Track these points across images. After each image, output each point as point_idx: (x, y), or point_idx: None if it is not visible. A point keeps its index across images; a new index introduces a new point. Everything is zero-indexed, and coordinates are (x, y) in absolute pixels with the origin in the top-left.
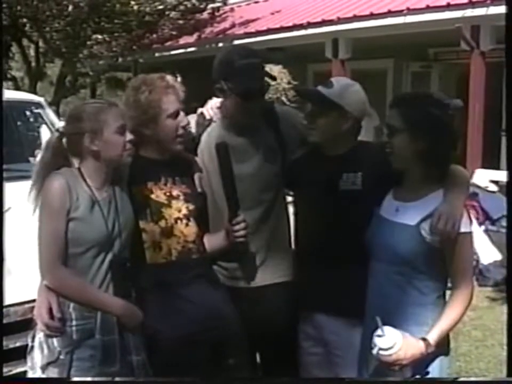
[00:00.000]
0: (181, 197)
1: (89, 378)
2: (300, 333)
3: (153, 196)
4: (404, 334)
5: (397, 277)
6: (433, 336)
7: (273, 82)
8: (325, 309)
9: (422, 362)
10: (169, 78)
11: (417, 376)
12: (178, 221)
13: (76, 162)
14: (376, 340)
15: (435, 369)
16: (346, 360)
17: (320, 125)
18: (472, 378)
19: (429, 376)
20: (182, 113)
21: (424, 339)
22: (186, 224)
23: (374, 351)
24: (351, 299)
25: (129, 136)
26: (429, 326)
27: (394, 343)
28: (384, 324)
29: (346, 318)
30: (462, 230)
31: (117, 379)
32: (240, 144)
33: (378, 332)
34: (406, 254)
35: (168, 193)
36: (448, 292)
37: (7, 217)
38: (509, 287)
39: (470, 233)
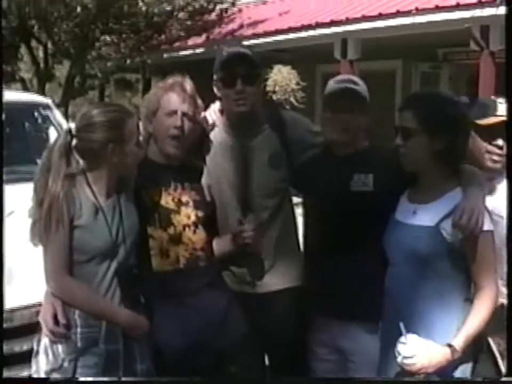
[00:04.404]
0: (190, 204)
1: (90, 379)
2: (313, 339)
3: (162, 202)
4: (428, 341)
5: (420, 281)
6: (458, 341)
7: (282, 83)
8: (339, 315)
9: (448, 369)
10: (182, 79)
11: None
12: (187, 228)
13: (81, 164)
14: (400, 348)
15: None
16: (362, 366)
17: (351, 123)
18: (474, 379)
19: None
20: (178, 114)
21: (449, 345)
22: (194, 231)
23: (398, 359)
24: (366, 303)
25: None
26: (455, 332)
27: (418, 350)
28: (408, 329)
29: (361, 323)
30: (485, 228)
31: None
32: (243, 148)
33: (402, 339)
34: (427, 256)
35: (177, 200)
36: None
37: (13, 219)
38: (509, 288)
39: (492, 232)
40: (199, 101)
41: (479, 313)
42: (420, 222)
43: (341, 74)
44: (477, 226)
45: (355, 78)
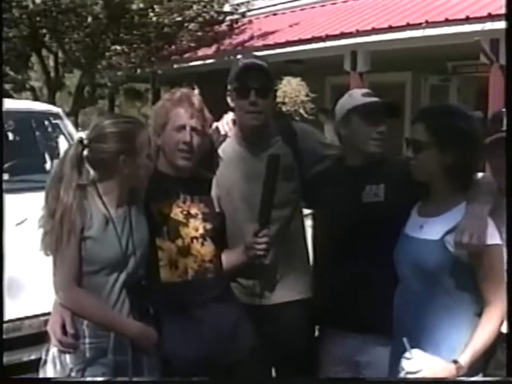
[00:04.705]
0: (199, 216)
1: (90, 379)
2: (328, 358)
3: (171, 214)
4: (432, 357)
5: (427, 295)
6: (465, 358)
7: (291, 95)
8: (354, 328)
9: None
10: (190, 93)
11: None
12: (195, 240)
13: (92, 174)
14: (404, 363)
15: None
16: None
17: (385, 134)
18: (473, 379)
19: None
20: (187, 129)
21: (455, 361)
22: (202, 244)
23: (401, 375)
24: (380, 316)
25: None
26: (463, 347)
27: (422, 366)
28: (416, 345)
29: (377, 336)
30: (489, 242)
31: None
32: (255, 160)
33: (406, 354)
34: (433, 271)
35: (186, 212)
36: None
37: (24, 228)
38: (509, 287)
39: (499, 245)
40: (207, 114)
41: (486, 329)
42: (426, 236)
43: (357, 88)
44: (480, 243)
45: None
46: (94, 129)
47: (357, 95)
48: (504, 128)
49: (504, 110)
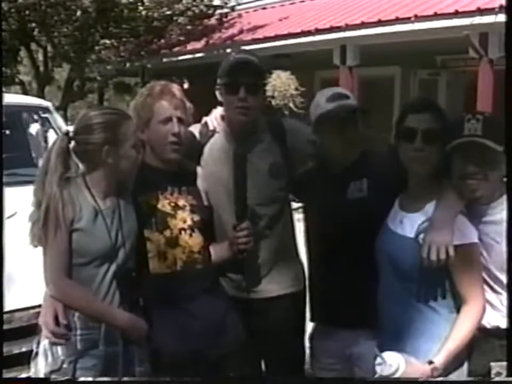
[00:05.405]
0: (187, 208)
1: (90, 379)
2: (319, 349)
3: (159, 206)
4: (407, 359)
5: (405, 291)
6: (439, 358)
7: (281, 88)
8: (347, 322)
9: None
10: (169, 85)
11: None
12: (183, 232)
13: (81, 167)
14: (377, 368)
15: None
16: (365, 371)
17: (357, 138)
18: (473, 379)
19: None
20: (174, 121)
21: (430, 362)
22: (190, 235)
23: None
24: (372, 308)
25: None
26: (441, 343)
27: (396, 368)
28: (396, 339)
29: (369, 329)
30: (460, 242)
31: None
32: (243, 156)
33: (378, 359)
34: (408, 268)
35: (173, 203)
36: None
37: (13, 221)
38: (509, 287)
39: (471, 244)
40: (188, 103)
41: (462, 328)
42: (403, 232)
43: (327, 89)
44: (450, 254)
45: (343, 91)
46: (80, 121)
47: (322, 102)
48: (466, 132)
49: (464, 114)
